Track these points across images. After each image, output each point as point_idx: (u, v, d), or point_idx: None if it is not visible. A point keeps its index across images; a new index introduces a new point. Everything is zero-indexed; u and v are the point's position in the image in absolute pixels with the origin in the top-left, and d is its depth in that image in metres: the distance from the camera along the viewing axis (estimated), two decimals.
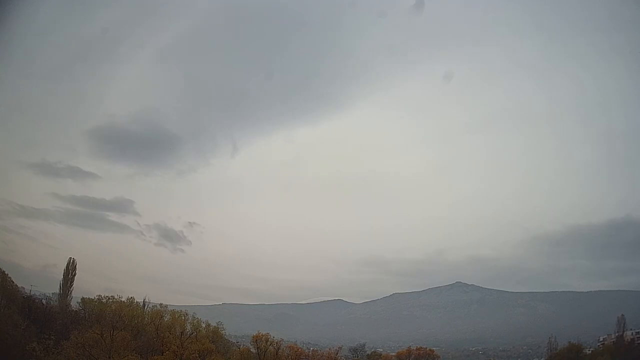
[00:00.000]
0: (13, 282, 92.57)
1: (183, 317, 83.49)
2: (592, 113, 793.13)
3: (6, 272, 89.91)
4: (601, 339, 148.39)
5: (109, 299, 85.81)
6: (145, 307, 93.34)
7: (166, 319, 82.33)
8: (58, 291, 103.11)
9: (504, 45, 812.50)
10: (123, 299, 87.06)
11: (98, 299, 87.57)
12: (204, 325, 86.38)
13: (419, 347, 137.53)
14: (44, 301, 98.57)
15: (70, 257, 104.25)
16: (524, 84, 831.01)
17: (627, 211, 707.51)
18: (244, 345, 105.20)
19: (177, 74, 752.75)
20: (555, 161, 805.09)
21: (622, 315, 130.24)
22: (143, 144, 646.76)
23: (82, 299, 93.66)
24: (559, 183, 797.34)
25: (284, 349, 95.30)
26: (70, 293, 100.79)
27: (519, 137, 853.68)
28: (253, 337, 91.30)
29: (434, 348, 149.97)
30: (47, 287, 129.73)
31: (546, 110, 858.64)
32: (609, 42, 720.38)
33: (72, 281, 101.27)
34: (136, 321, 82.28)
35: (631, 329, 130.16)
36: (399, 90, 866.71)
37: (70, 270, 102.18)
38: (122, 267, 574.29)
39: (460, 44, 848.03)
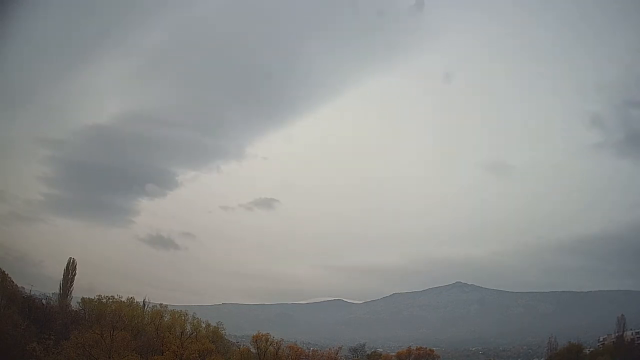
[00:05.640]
0: (13, 282, 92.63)
1: (183, 317, 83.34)
2: (602, 116, 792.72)
3: (6, 272, 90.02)
4: (601, 339, 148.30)
5: (109, 299, 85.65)
6: (145, 307, 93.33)
7: (166, 319, 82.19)
8: (58, 291, 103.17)
9: (507, 42, 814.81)
10: (123, 299, 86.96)
11: (98, 299, 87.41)
12: (204, 325, 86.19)
13: (419, 347, 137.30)
14: (44, 301, 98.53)
15: (70, 257, 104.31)
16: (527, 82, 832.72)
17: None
18: (244, 345, 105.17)
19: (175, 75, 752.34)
20: (561, 164, 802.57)
21: (622, 315, 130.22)
22: (141, 143, 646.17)
23: (82, 299, 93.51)
24: (563, 185, 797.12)
25: (284, 349, 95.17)
26: (70, 293, 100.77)
27: (523, 136, 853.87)
28: (253, 337, 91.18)
29: (434, 348, 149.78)
30: (47, 287, 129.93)
31: (553, 111, 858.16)
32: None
33: (72, 281, 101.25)
34: (136, 321, 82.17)
35: (631, 329, 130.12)
36: (398, 87, 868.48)
37: (70, 270, 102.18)
38: (121, 266, 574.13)
39: (460, 41, 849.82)
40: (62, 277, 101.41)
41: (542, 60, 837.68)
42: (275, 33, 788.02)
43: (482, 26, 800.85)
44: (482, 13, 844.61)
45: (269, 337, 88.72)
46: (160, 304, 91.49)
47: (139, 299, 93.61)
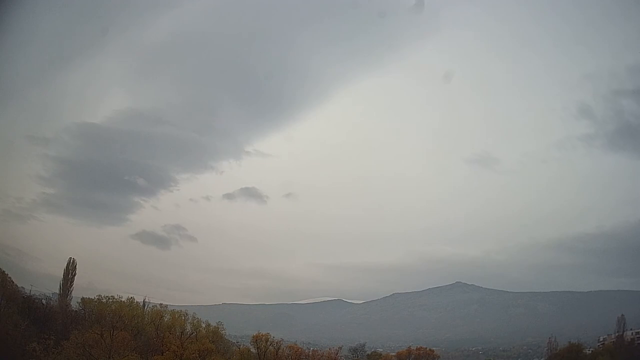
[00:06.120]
0: (13, 282, 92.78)
1: (183, 317, 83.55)
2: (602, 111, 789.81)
3: (6, 272, 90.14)
4: (601, 339, 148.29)
5: (109, 299, 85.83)
6: (145, 307, 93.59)
7: (166, 319, 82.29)
8: (58, 291, 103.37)
9: (505, 38, 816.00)
10: (123, 299, 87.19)
11: (98, 299, 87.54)
12: (204, 325, 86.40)
13: (419, 347, 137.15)
14: (44, 301, 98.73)
15: (70, 257, 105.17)
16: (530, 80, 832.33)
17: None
18: (244, 345, 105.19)
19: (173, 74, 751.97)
20: (561, 161, 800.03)
21: (622, 315, 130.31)
22: (139, 141, 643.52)
23: (82, 299, 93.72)
24: (562, 183, 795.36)
25: (284, 349, 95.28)
26: (70, 293, 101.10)
27: (523, 133, 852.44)
28: (253, 337, 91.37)
29: (434, 348, 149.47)
30: (44, 286, 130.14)
31: (552, 107, 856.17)
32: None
33: (72, 281, 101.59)
34: (136, 321, 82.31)
35: (631, 329, 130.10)
36: (398, 86, 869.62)
37: (70, 270, 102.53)
38: (120, 265, 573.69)
39: (461, 40, 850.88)
40: (62, 277, 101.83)
41: (540, 55, 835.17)
42: (275, 32, 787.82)
43: (480, 23, 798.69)
44: (479, 9, 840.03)
45: (269, 337, 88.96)
46: (160, 304, 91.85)
47: (138, 298, 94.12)
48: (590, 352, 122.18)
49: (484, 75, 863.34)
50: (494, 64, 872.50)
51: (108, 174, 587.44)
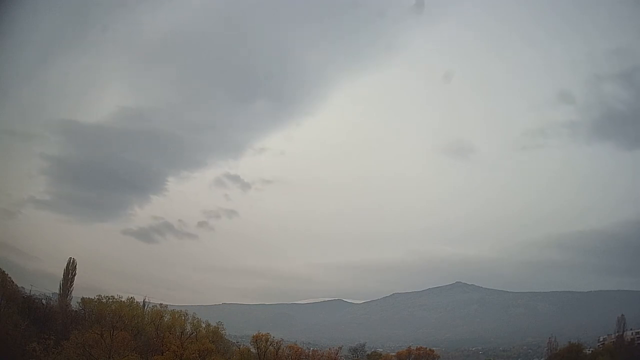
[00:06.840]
0: (13, 282, 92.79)
1: (183, 317, 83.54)
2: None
3: (6, 272, 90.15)
4: (601, 339, 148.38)
5: (109, 299, 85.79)
6: (145, 307, 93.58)
7: (166, 319, 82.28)
8: (58, 291, 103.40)
9: (504, 35, 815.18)
10: (123, 299, 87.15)
11: (98, 299, 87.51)
12: (204, 325, 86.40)
13: (419, 347, 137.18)
14: (44, 301, 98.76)
15: (70, 257, 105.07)
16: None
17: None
18: (244, 345, 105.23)
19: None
20: (562, 159, 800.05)
21: (622, 315, 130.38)
22: (137, 140, 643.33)
23: (82, 299, 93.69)
24: (563, 184, 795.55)
25: (284, 349, 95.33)
26: (70, 293, 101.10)
27: (526, 132, 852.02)
28: (253, 337, 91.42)
29: (434, 348, 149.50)
30: (47, 287, 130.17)
31: (553, 107, 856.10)
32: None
33: (72, 281, 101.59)
34: (136, 321, 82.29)
35: (631, 329, 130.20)
36: (398, 86, 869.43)
37: (70, 270, 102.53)
38: (119, 264, 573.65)
39: (461, 39, 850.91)
40: (62, 277, 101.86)
41: (539, 54, 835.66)
42: (274, 31, 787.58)
43: (480, 23, 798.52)
44: (479, 9, 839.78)
45: (269, 337, 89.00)
46: (160, 304, 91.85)
47: (138, 298, 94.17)
48: (590, 352, 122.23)
49: (484, 75, 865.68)
50: (494, 64, 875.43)
51: (107, 172, 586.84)
